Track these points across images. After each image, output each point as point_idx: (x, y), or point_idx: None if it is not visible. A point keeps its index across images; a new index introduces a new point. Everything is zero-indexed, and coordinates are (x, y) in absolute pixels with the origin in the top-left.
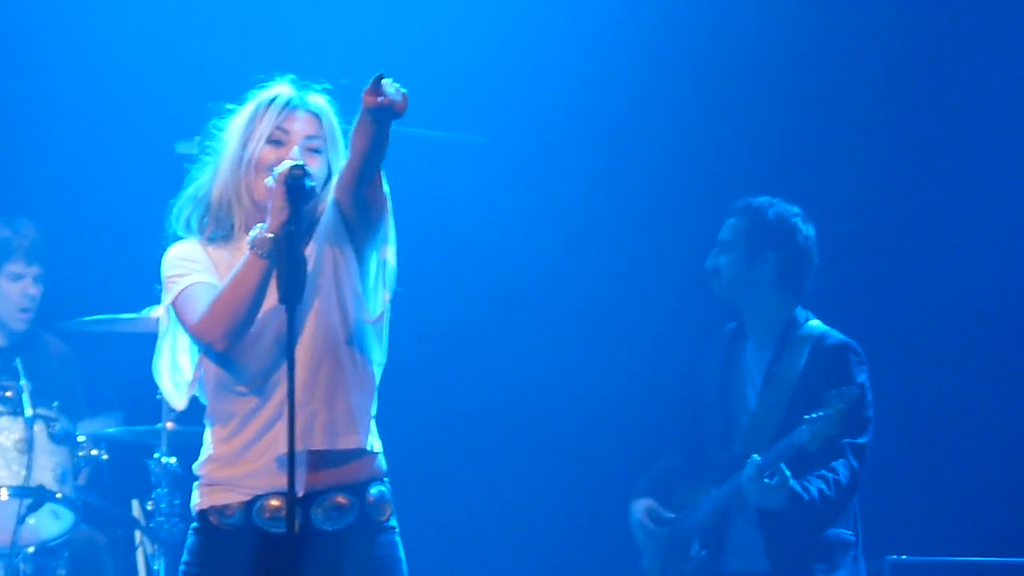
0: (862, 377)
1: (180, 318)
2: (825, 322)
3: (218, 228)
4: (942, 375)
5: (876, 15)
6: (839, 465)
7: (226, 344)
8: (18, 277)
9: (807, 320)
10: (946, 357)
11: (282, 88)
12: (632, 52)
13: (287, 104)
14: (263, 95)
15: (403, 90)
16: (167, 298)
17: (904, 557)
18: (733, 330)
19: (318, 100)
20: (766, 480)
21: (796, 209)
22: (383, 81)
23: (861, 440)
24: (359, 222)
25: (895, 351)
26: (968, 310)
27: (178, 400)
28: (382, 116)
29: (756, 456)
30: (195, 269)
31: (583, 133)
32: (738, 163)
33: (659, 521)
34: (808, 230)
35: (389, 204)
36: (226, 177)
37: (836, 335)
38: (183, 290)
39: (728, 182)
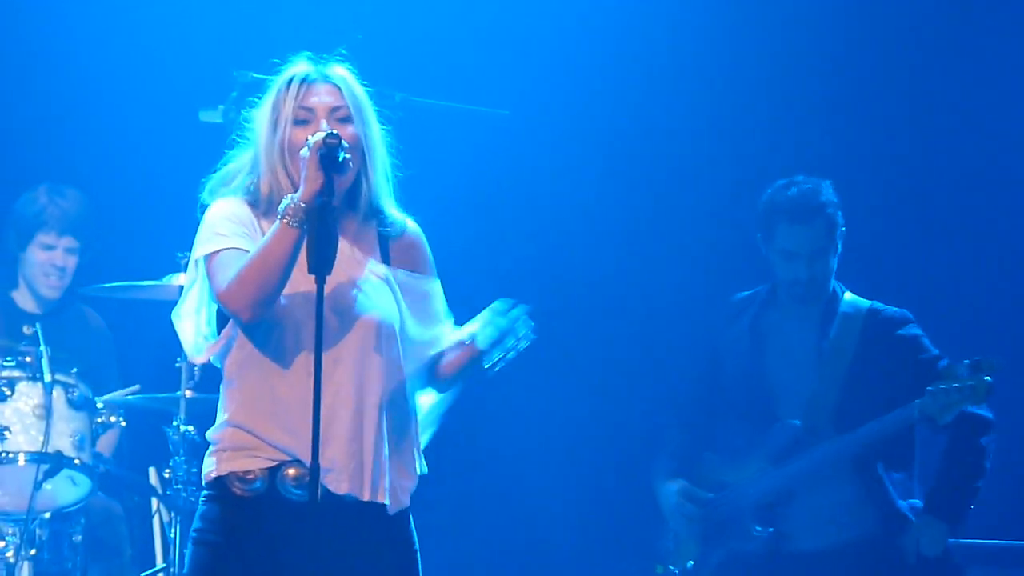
0: (926, 341)
1: (211, 282)
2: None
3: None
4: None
5: None
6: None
7: (252, 314)
8: (49, 247)
9: (843, 292)
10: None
11: (298, 67)
12: (659, 23)
13: (304, 80)
14: (281, 78)
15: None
16: (201, 249)
17: None
18: (757, 302)
19: (336, 70)
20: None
21: (829, 184)
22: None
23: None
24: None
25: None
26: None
27: (197, 355)
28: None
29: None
30: (236, 232)
31: (605, 108)
32: (761, 138)
33: (697, 502)
34: None
35: None
36: (266, 168)
37: (885, 307)
38: (218, 252)
39: (750, 158)
